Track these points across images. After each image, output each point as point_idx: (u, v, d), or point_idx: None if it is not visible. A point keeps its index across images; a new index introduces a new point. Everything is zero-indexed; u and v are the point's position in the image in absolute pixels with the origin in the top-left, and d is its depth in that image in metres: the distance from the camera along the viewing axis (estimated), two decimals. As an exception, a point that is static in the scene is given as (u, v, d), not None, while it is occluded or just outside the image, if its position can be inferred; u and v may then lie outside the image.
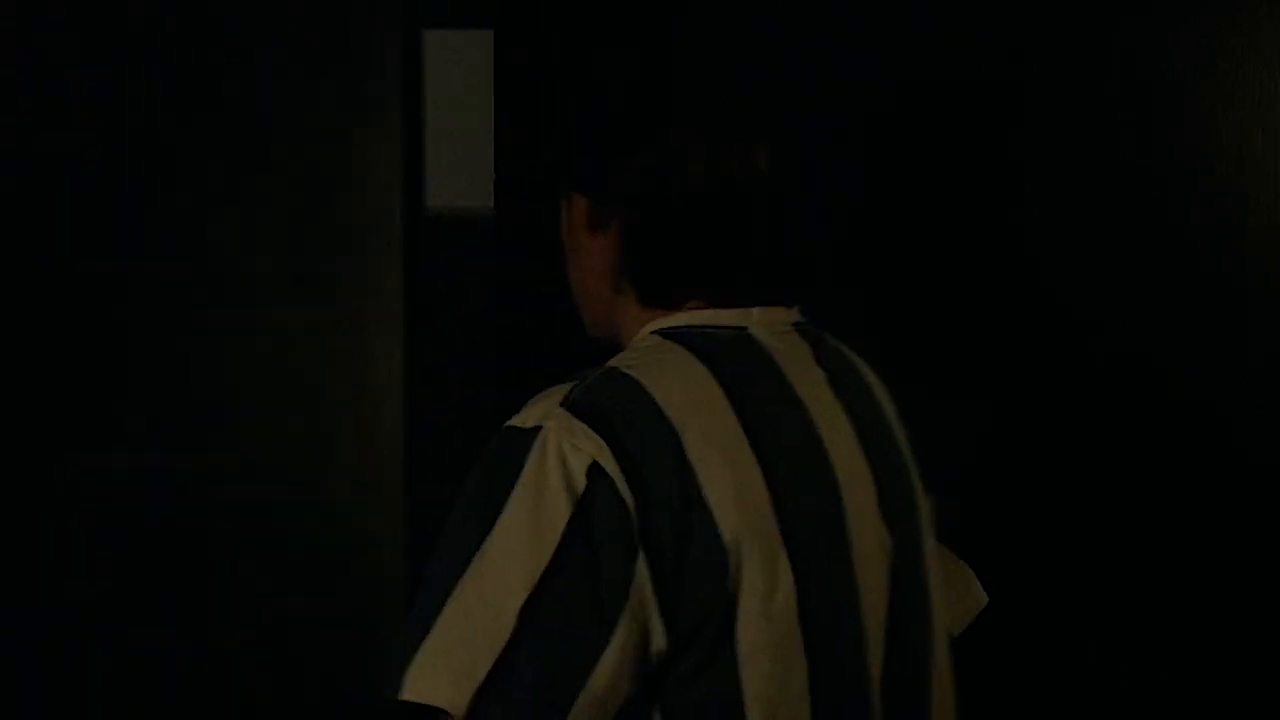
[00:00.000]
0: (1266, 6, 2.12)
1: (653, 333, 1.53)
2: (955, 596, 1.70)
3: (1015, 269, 2.15)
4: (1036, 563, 2.12)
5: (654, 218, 1.54)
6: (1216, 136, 2.13)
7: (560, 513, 1.38)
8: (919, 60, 2.13)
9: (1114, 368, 2.15)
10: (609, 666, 1.37)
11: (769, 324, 1.56)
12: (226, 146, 2.13)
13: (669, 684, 1.41)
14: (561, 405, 1.41)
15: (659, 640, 1.39)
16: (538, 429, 1.40)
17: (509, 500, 1.39)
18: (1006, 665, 2.08)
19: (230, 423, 2.15)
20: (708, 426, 1.44)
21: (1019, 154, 2.14)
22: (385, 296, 2.13)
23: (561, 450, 1.39)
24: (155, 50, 2.11)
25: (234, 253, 2.14)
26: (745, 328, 1.54)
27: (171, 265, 2.14)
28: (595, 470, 1.38)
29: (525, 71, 2.12)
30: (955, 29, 2.13)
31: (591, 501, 1.38)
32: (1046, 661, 1.96)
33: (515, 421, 1.42)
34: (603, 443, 1.39)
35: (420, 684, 1.37)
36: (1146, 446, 2.15)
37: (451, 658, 1.37)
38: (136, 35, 2.11)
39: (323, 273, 2.14)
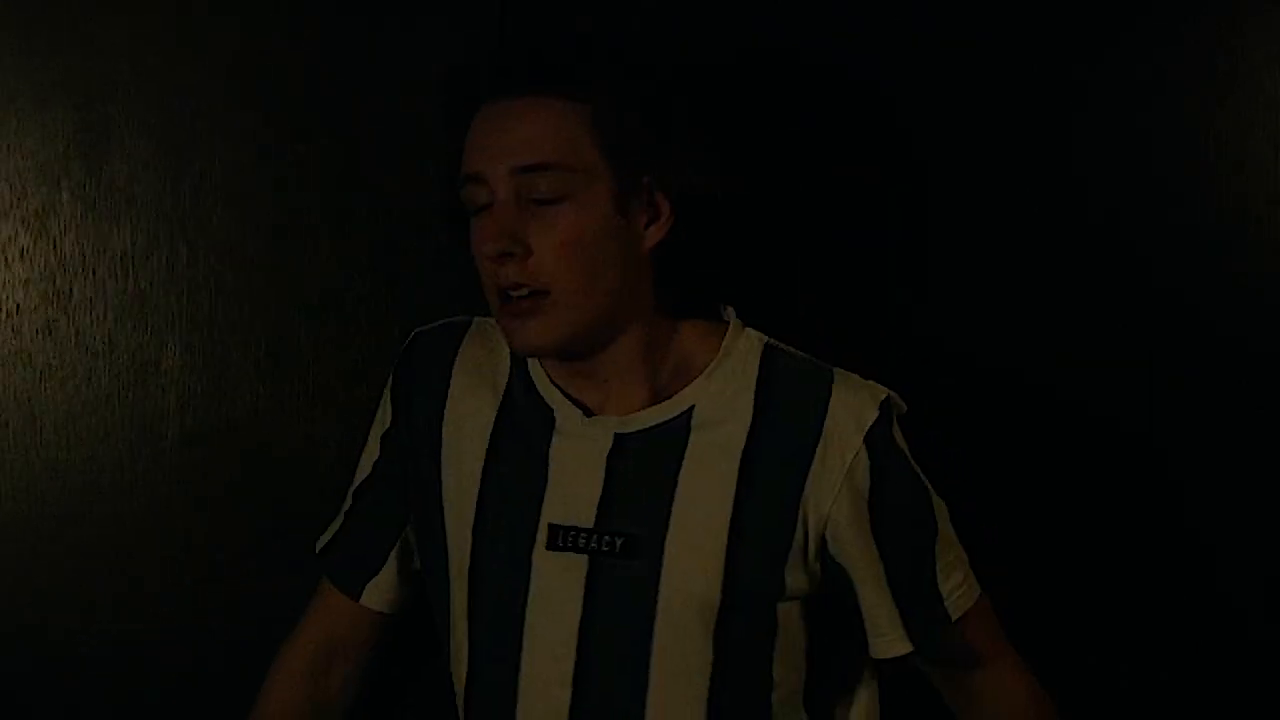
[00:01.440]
0: (1266, 6, 2.12)
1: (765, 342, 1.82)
2: None
3: (1012, 268, 2.14)
4: (1036, 563, 2.12)
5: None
6: (1216, 136, 2.13)
7: None
8: (916, 58, 2.13)
9: (1111, 367, 2.14)
10: None
11: None
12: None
13: None
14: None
15: None
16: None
17: None
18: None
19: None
20: None
21: (1016, 153, 2.14)
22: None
23: None
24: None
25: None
26: None
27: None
28: None
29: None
30: (954, 28, 2.12)
31: None
32: (1047, 661, 1.96)
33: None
34: None
35: None
36: (1145, 446, 2.15)
37: None
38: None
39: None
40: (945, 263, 2.14)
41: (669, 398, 1.78)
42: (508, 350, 1.83)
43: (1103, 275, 2.14)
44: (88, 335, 2.11)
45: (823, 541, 1.76)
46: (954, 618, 1.83)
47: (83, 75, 2.11)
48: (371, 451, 1.93)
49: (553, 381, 1.82)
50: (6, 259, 2.11)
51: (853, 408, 1.75)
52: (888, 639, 1.81)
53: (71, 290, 2.11)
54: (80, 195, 2.11)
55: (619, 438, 1.77)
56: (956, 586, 1.83)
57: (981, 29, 2.13)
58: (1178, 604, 2.15)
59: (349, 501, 1.95)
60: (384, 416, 1.92)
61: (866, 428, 1.75)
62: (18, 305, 2.11)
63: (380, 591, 1.93)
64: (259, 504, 2.13)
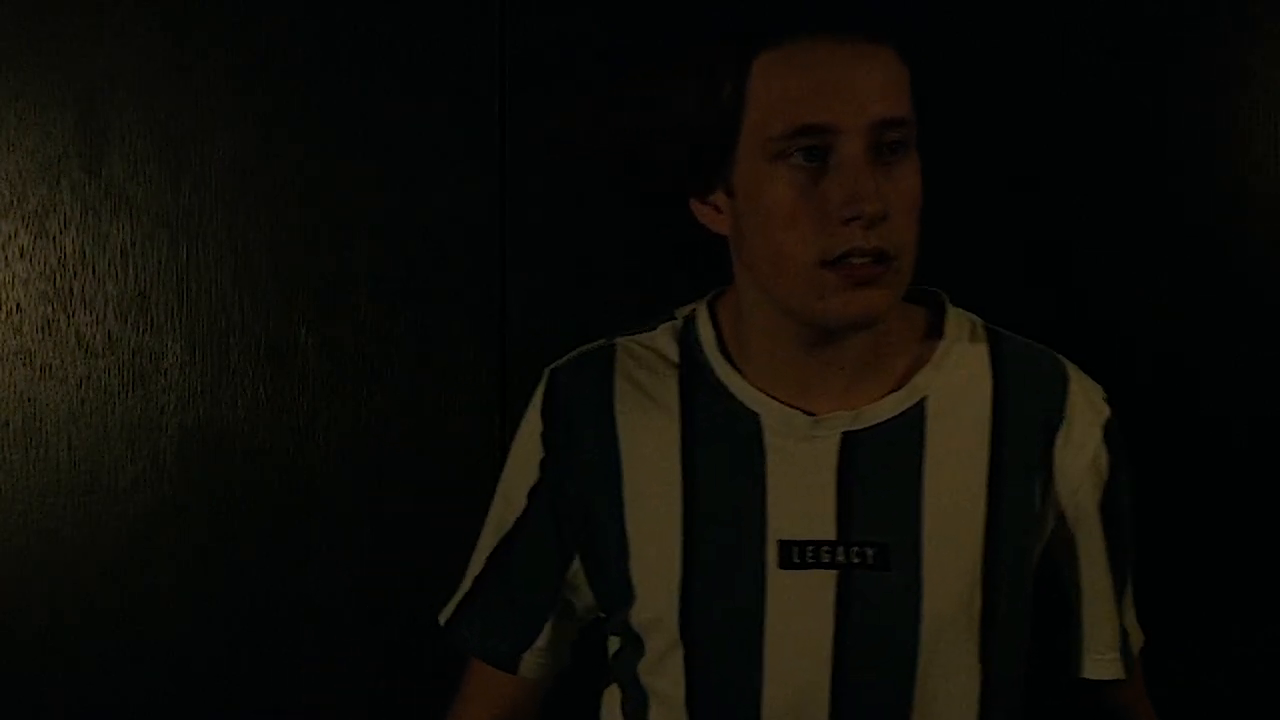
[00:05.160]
0: (1268, 5, 2.12)
1: None
2: None
3: (1010, 267, 2.15)
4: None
5: None
6: (1217, 135, 2.13)
7: None
8: (914, 58, 2.13)
9: (1109, 366, 2.14)
10: None
11: None
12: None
13: None
14: None
15: None
16: None
17: None
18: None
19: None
20: None
21: (1016, 153, 2.14)
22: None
23: None
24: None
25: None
26: None
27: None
28: None
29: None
30: (957, 28, 2.13)
31: None
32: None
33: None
34: None
35: None
36: (1146, 446, 2.14)
37: None
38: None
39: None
40: (943, 261, 2.14)
41: (901, 387, 1.61)
42: (674, 366, 1.64)
43: (1103, 274, 2.14)
44: (88, 334, 2.11)
45: (1054, 537, 1.63)
46: (1136, 653, 1.71)
47: (83, 75, 2.11)
48: (513, 506, 1.70)
49: (752, 384, 1.62)
50: (6, 257, 2.11)
51: (1090, 397, 1.64)
52: (1106, 659, 1.68)
53: (71, 289, 2.11)
54: (80, 194, 2.11)
55: (847, 437, 1.59)
56: (1134, 621, 1.71)
57: (983, 29, 2.13)
58: (1178, 603, 2.15)
59: (479, 565, 1.73)
60: (527, 468, 1.69)
61: (1103, 420, 1.64)
62: (17, 304, 2.11)
63: (539, 658, 1.73)
64: (259, 504, 2.13)
